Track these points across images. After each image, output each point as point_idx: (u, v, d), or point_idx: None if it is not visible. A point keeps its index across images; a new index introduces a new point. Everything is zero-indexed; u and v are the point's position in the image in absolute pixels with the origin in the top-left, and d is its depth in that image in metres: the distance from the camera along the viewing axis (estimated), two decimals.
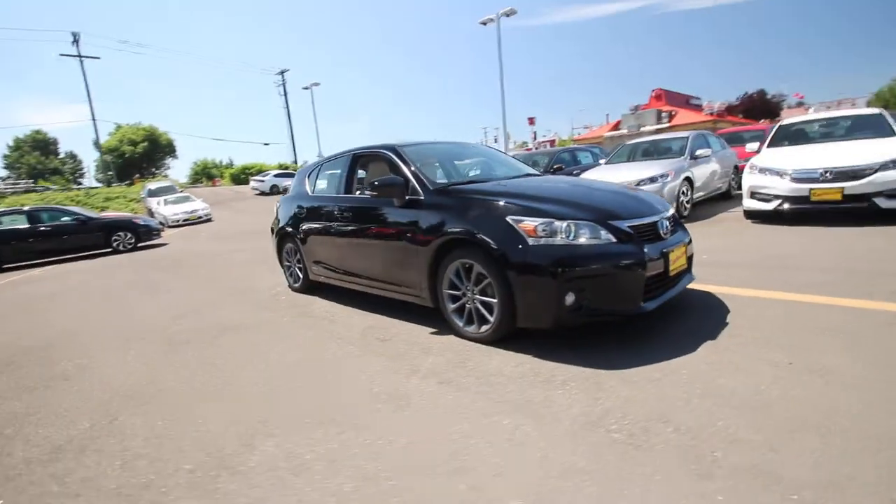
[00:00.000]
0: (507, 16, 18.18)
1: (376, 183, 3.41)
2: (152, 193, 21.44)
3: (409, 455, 1.86)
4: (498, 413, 2.11)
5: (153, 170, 36.17)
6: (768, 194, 6.00)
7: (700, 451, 1.69)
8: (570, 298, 2.51)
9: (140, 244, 11.80)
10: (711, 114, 31.88)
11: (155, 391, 2.77)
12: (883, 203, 5.19)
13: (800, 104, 43.22)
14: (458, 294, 3.04)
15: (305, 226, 4.58)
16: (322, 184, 4.70)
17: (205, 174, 47.06)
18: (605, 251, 2.54)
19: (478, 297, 2.90)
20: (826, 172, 5.48)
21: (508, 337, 2.86)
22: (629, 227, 2.66)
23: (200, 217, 18.60)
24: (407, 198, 3.35)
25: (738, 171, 9.33)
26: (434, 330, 3.29)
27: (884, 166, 5.23)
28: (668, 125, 28.57)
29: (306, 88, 30.42)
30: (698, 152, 7.93)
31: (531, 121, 58.24)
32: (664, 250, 2.72)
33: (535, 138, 58.26)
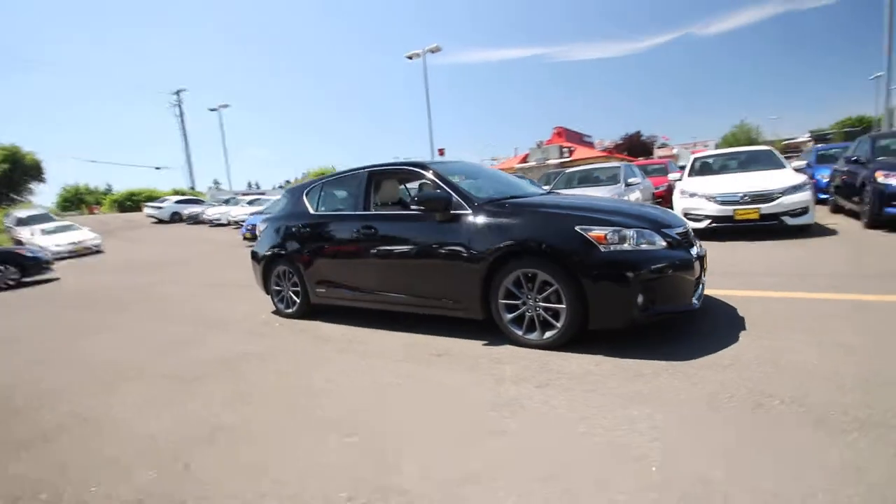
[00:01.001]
0: (433, 52, 19.08)
1: (419, 198, 3.42)
2: (22, 222, 18.08)
3: (575, 450, 1.90)
4: (621, 406, 2.22)
5: (12, 195, 30.38)
6: (699, 214, 7.02)
7: (818, 414, 1.98)
8: (640, 299, 2.76)
9: (25, 279, 9.89)
10: (602, 150, 36.07)
11: (211, 430, 2.41)
12: (789, 221, 6.40)
13: (664, 145, 50.89)
14: (517, 304, 3.13)
15: (309, 245, 4.33)
16: (328, 202, 4.51)
17: (77, 200, 40.89)
18: (666, 255, 2.85)
19: (541, 304, 3.02)
20: (745, 196, 6.60)
21: (568, 342, 3.00)
22: (676, 234, 3.02)
23: (89, 248, 16.07)
24: (452, 212, 3.39)
25: (654, 197, 10.73)
26: (485, 342, 3.31)
27: (786, 191, 6.47)
28: (569, 159, 31.68)
29: (213, 110, 28.35)
30: (630, 180, 9.01)
31: (441, 152, 60.58)
32: (700, 254, 3.12)
33: None
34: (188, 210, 24.04)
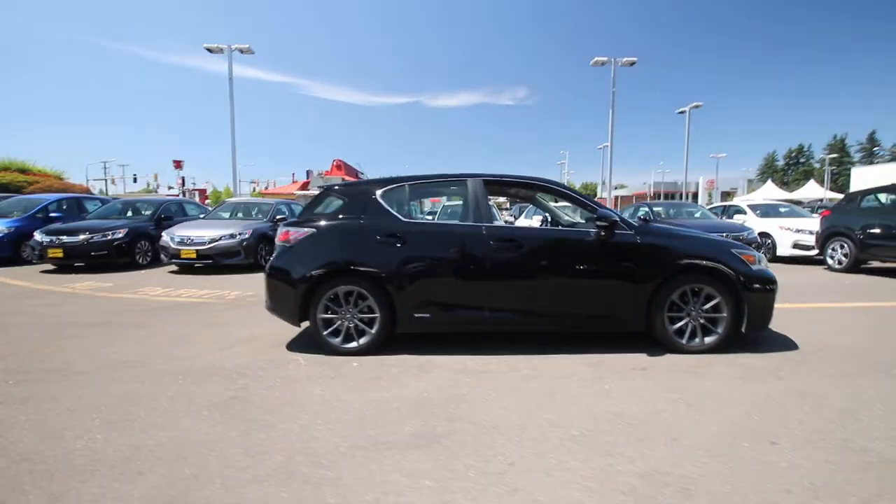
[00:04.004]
0: (242, 52, 16.63)
1: (602, 216, 3.47)
2: None
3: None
4: (851, 383, 2.95)
5: None
6: None
7: None
8: (774, 307, 3.64)
9: None
10: None
11: (671, 486, 1.87)
12: None
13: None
14: (680, 315, 3.53)
15: (408, 260, 3.50)
16: (419, 208, 3.72)
17: None
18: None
19: (702, 314, 3.53)
20: None
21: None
22: None
23: None
24: (617, 231, 3.54)
25: None
26: (641, 353, 3.53)
27: None
28: None
29: None
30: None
31: (178, 164, 50.96)
32: None
33: (183, 184, 51.29)
34: None
